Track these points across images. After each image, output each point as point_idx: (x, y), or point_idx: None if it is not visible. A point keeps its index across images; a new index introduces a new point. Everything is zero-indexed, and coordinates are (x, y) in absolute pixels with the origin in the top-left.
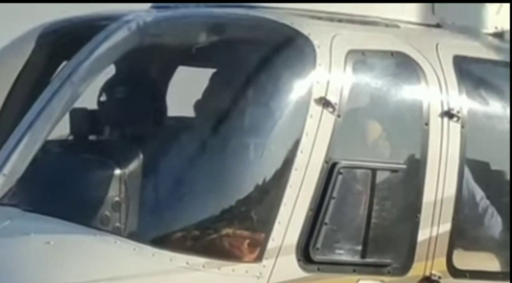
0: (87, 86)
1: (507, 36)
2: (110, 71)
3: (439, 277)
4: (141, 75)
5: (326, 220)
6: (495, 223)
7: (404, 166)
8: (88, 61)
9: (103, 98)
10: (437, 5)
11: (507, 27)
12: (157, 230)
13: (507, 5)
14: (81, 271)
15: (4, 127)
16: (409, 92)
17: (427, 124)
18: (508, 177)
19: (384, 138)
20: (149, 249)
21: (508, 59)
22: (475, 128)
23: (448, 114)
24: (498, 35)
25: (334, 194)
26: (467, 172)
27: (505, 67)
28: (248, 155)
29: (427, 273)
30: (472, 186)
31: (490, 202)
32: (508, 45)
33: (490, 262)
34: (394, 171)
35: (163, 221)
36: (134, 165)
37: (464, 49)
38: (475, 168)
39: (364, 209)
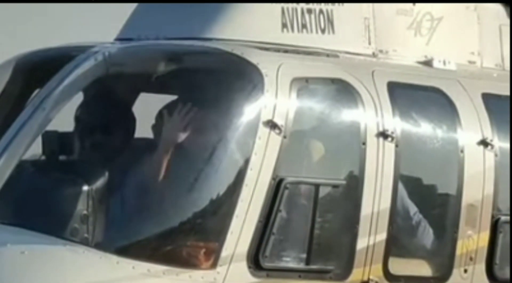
0: (58, 112)
1: (435, 64)
2: (79, 97)
3: (376, 282)
4: (107, 101)
5: (274, 230)
6: (427, 235)
7: (344, 182)
8: (58, 89)
9: (74, 121)
10: (372, 35)
11: (435, 56)
12: (121, 241)
13: (436, 36)
14: (52, 278)
15: None
16: (348, 115)
17: (364, 143)
18: (438, 190)
19: (326, 157)
20: (113, 258)
21: (436, 85)
22: (408, 147)
23: (383, 134)
24: (428, 63)
25: (281, 207)
26: (401, 188)
27: (433, 92)
28: (203, 172)
29: (365, 278)
30: (407, 201)
31: (423, 213)
32: (436, 73)
33: (422, 268)
34: (335, 186)
35: (126, 232)
36: (101, 182)
37: (397, 76)
38: (409, 183)
39: (308, 221)
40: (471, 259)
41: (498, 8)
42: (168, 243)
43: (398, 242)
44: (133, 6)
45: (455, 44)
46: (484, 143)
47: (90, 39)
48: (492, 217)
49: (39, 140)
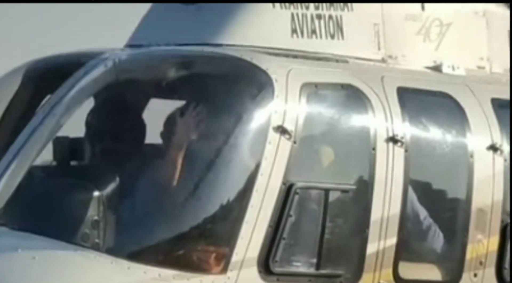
0: (68, 118)
1: (445, 70)
2: (89, 103)
3: None
4: (117, 107)
5: (284, 235)
6: (437, 239)
7: (353, 187)
8: (68, 95)
9: (85, 127)
10: (382, 41)
11: (445, 62)
12: (132, 246)
13: (445, 42)
14: None
15: None
16: (357, 120)
17: (374, 149)
18: (448, 195)
19: (336, 162)
20: (125, 263)
21: (445, 90)
22: (417, 152)
23: (393, 139)
24: (437, 68)
25: (291, 212)
26: (411, 193)
27: (442, 97)
28: (213, 178)
29: None
30: (417, 206)
31: (432, 218)
32: (445, 78)
33: (432, 273)
34: (344, 191)
35: (137, 237)
36: (111, 187)
37: (407, 81)
38: (418, 188)
39: (318, 225)
40: (481, 263)
41: (507, 13)
42: (179, 248)
43: (408, 247)
44: (142, 12)
45: (464, 50)
46: (493, 148)
47: (100, 46)
48: (502, 221)
49: (49, 146)
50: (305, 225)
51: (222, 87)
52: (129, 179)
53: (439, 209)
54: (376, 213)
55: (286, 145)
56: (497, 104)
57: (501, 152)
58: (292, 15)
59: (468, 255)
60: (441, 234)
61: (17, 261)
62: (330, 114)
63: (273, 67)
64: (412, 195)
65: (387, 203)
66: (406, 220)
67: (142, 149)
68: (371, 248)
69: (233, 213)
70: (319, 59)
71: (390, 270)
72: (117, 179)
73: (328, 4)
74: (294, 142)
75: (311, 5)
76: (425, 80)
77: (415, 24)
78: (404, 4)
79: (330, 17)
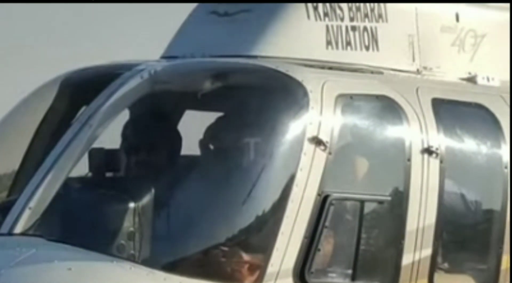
0: (104, 129)
1: (479, 81)
2: (125, 115)
3: None
4: (153, 118)
5: (320, 246)
6: (472, 250)
7: (389, 198)
8: (104, 106)
9: (121, 138)
10: (416, 52)
11: (479, 73)
12: (168, 257)
13: (480, 53)
14: None
15: (30, 165)
16: (392, 131)
17: (409, 160)
18: (482, 206)
19: (371, 173)
20: (160, 274)
21: (480, 101)
22: (452, 163)
23: (428, 151)
24: (471, 79)
25: (327, 223)
26: (446, 204)
27: (477, 108)
28: (249, 189)
29: None
30: (451, 217)
31: (467, 229)
32: (480, 89)
33: None
34: (380, 202)
35: (173, 248)
36: (147, 199)
37: (442, 92)
38: (453, 198)
39: (353, 236)
40: None
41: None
42: (214, 259)
43: (443, 258)
44: (178, 24)
45: (498, 61)
46: None
47: (136, 57)
48: None
49: (86, 157)
50: (340, 236)
51: (258, 98)
52: (165, 191)
53: (474, 220)
54: (411, 224)
55: (321, 156)
56: None
57: None
58: (327, 27)
59: (503, 266)
60: (476, 245)
61: (53, 272)
62: (365, 125)
63: (308, 79)
64: (447, 206)
65: (422, 214)
66: (441, 231)
67: (177, 161)
68: (407, 259)
69: (268, 224)
70: (354, 70)
71: (425, 281)
72: (153, 190)
73: (363, 15)
74: (329, 153)
75: (346, 16)
76: (460, 91)
77: (449, 36)
78: (439, 15)
79: (365, 28)
